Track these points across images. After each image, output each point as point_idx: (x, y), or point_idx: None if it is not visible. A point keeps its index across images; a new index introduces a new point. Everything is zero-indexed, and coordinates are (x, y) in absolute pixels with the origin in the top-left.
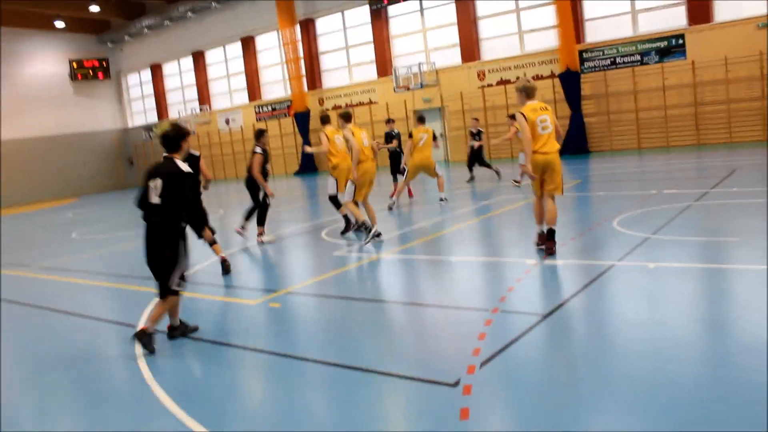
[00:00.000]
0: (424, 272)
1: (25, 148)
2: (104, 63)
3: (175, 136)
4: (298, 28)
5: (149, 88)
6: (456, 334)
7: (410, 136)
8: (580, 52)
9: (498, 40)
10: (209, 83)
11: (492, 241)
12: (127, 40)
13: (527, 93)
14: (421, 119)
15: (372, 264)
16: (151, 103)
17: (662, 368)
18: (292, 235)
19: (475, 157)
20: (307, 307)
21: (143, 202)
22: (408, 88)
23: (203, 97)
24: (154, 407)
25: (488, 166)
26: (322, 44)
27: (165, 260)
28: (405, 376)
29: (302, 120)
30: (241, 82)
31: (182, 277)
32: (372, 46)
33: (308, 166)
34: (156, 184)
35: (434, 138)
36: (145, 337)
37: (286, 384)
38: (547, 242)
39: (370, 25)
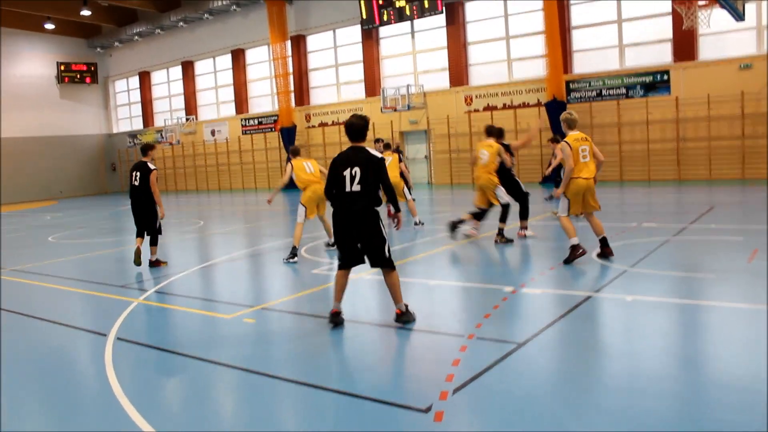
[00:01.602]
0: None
1: (7, 147)
2: (92, 67)
3: (364, 127)
4: (288, 43)
5: (136, 95)
6: (430, 358)
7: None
8: (567, 83)
9: (486, 67)
10: (197, 93)
11: (471, 267)
12: (117, 46)
13: (569, 124)
14: (386, 146)
15: (351, 283)
16: (137, 110)
17: (636, 403)
18: (271, 251)
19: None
20: (281, 323)
21: (339, 192)
22: (395, 109)
23: (190, 107)
24: (120, 418)
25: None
26: (312, 61)
27: (380, 238)
28: (376, 400)
29: (288, 135)
30: (228, 94)
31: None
32: (361, 65)
33: (292, 181)
34: (355, 172)
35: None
36: (404, 316)
37: (255, 401)
38: (605, 249)
39: (360, 45)
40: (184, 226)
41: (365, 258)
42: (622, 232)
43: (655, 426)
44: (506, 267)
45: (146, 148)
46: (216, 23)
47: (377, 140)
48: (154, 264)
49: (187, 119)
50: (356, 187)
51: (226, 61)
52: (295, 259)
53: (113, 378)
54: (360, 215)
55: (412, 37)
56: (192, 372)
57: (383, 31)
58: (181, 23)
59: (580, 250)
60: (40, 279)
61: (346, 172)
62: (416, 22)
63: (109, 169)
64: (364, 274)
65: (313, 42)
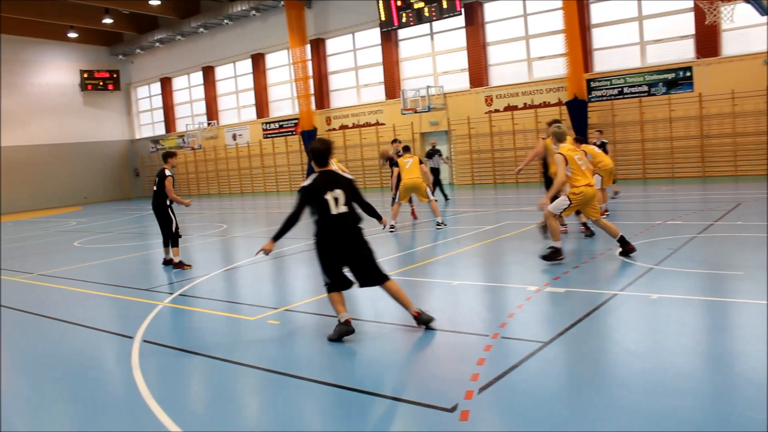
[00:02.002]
0: (423, 295)
1: (33, 154)
2: (115, 74)
3: (327, 150)
4: (308, 47)
5: (158, 101)
6: (454, 358)
7: (391, 163)
8: (588, 81)
9: (506, 67)
10: (218, 98)
11: (493, 266)
12: (139, 53)
13: (558, 138)
14: (406, 148)
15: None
16: (159, 116)
17: (663, 401)
18: (294, 253)
19: None
20: (305, 325)
21: (323, 216)
22: (415, 111)
23: (211, 111)
24: (147, 418)
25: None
26: (332, 64)
27: (372, 253)
28: (401, 399)
29: (309, 138)
30: (249, 98)
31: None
32: (381, 67)
33: None
34: (338, 194)
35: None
36: (423, 315)
37: (280, 401)
38: (626, 246)
39: (379, 47)
40: (207, 229)
41: (352, 280)
42: (646, 229)
43: (682, 425)
44: (530, 266)
45: (166, 156)
46: (236, 28)
47: (394, 140)
48: (177, 266)
49: (208, 124)
50: (342, 209)
51: (246, 65)
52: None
53: (140, 379)
54: (354, 234)
55: (431, 38)
56: (217, 373)
57: (402, 33)
58: (201, 29)
59: (561, 257)
60: (67, 283)
61: (328, 196)
62: (435, 23)
63: (132, 175)
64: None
65: (332, 45)
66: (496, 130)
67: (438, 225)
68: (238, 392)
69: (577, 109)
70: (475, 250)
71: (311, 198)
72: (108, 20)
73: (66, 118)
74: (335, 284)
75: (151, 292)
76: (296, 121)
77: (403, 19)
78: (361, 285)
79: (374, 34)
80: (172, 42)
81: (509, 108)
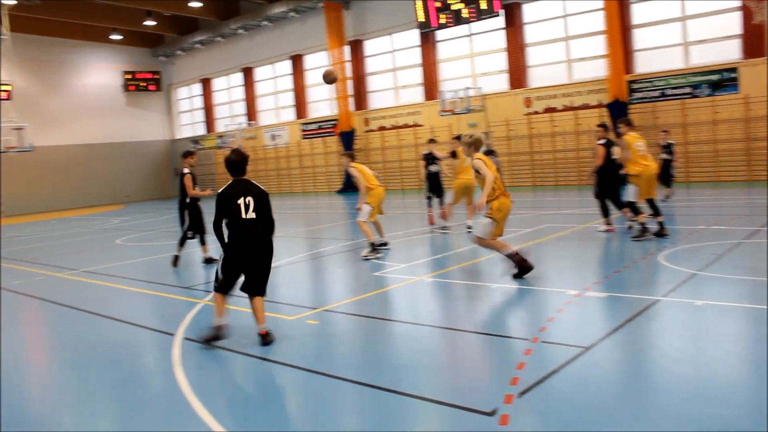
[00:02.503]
0: (462, 297)
1: (77, 153)
2: (156, 76)
3: (243, 161)
4: (346, 48)
5: (198, 102)
6: (494, 362)
7: (454, 155)
8: (629, 83)
9: (546, 68)
10: (257, 99)
11: (534, 269)
12: (179, 54)
13: (477, 146)
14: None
15: (411, 286)
16: (199, 116)
17: (706, 409)
18: (332, 254)
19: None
20: (344, 325)
21: (234, 219)
22: (454, 112)
23: (251, 112)
24: (187, 415)
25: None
26: (370, 65)
27: (270, 265)
28: (440, 402)
29: (347, 139)
30: (288, 99)
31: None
32: (419, 69)
33: (351, 184)
34: (249, 201)
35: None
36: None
37: (318, 401)
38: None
39: (418, 49)
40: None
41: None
42: (690, 234)
43: None
44: (570, 269)
45: (184, 155)
46: (275, 30)
47: (431, 140)
48: (209, 261)
49: (247, 124)
50: (251, 215)
51: (285, 66)
52: (376, 254)
53: (181, 376)
54: (262, 239)
55: (470, 39)
56: (256, 372)
57: (440, 34)
58: (240, 30)
59: (522, 265)
60: (109, 280)
61: (240, 201)
62: (474, 24)
63: (172, 174)
64: (425, 277)
65: (370, 46)
66: (535, 132)
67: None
68: (276, 391)
69: (618, 112)
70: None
71: (225, 202)
72: (150, 22)
73: (109, 118)
74: (226, 286)
75: (192, 290)
76: (335, 122)
77: (442, 21)
78: (242, 289)
79: (412, 36)
80: (212, 43)
81: (548, 110)
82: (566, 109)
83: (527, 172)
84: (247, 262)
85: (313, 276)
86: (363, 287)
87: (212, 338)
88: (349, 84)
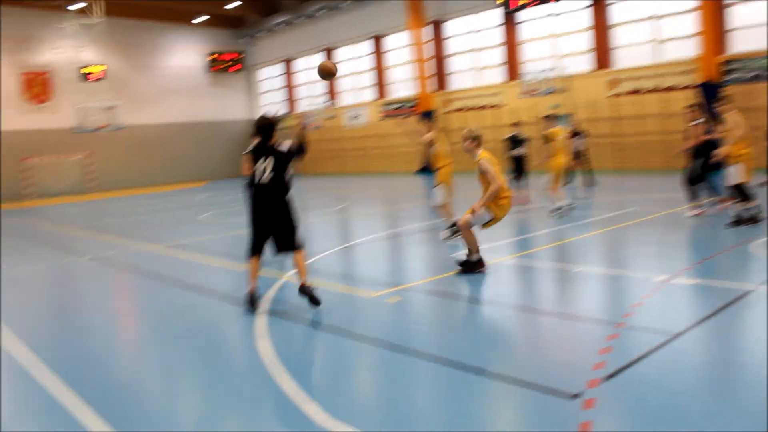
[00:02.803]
0: (545, 279)
1: (163, 132)
2: (240, 56)
3: (267, 125)
4: (427, 29)
5: (279, 82)
6: (577, 345)
7: (546, 138)
8: (722, 63)
9: (632, 48)
10: (337, 79)
11: (619, 254)
12: (262, 35)
13: (479, 142)
14: (551, 118)
15: (492, 267)
16: (280, 96)
17: None
18: (413, 233)
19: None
20: (425, 304)
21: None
22: (535, 94)
23: (331, 92)
24: (270, 387)
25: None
26: (451, 46)
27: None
28: (521, 383)
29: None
30: (368, 79)
31: None
32: (501, 49)
33: (430, 165)
34: (267, 163)
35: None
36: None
37: (398, 378)
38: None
39: (499, 29)
40: (327, 207)
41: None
42: None
43: None
44: (657, 255)
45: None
46: (356, 11)
47: (515, 123)
48: None
49: (328, 104)
50: (268, 176)
51: (365, 47)
52: (457, 236)
53: (264, 349)
54: (276, 199)
55: (554, 19)
56: (337, 347)
57: (523, 14)
58: (322, 11)
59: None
60: (195, 254)
61: (260, 163)
62: (557, 3)
63: None
64: (507, 258)
65: (451, 27)
66: (620, 114)
67: (559, 210)
68: (356, 366)
69: (709, 93)
70: (597, 237)
71: (249, 161)
72: (233, 4)
73: (193, 98)
74: (254, 248)
75: (273, 265)
76: (414, 103)
77: (525, 0)
78: (278, 251)
79: (494, 16)
80: (294, 24)
81: (634, 92)
82: (653, 90)
83: (610, 154)
84: (266, 221)
85: (393, 254)
86: (444, 267)
87: (249, 302)
88: (430, 65)
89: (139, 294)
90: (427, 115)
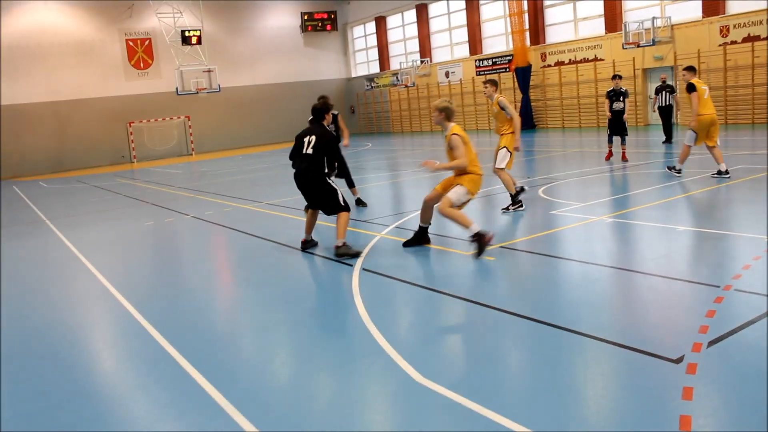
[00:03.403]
0: (647, 239)
1: (260, 93)
2: (332, 15)
3: (319, 110)
4: None
5: (372, 40)
6: (681, 308)
7: (690, 88)
8: None
9: None
10: (431, 36)
11: (726, 214)
12: None
13: (448, 115)
14: (691, 68)
15: (591, 225)
16: (373, 54)
17: None
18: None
19: None
20: (522, 263)
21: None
22: (638, 45)
23: (424, 49)
24: (367, 341)
25: None
26: None
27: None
28: (622, 345)
29: (523, 75)
30: (462, 35)
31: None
32: None
33: (527, 122)
34: (310, 140)
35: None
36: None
37: (493, 336)
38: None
39: None
40: (419, 166)
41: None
42: None
43: None
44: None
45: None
46: None
47: (615, 76)
48: (359, 203)
49: (421, 62)
50: (309, 151)
51: (459, 2)
52: (520, 207)
53: (360, 305)
54: (306, 173)
55: None
56: (432, 304)
57: None
58: None
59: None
60: (291, 212)
61: (305, 139)
62: None
63: (348, 112)
64: (605, 217)
65: None
66: (732, 64)
67: (722, 173)
68: (452, 325)
69: None
70: (703, 195)
71: (296, 139)
72: None
73: (288, 58)
74: (307, 205)
75: (369, 223)
76: (510, 58)
77: None
78: (326, 213)
79: None
80: None
81: (749, 38)
82: None
83: (721, 108)
84: (301, 189)
85: (487, 213)
86: (539, 226)
87: (305, 246)
88: (526, 18)
89: (235, 251)
90: (525, 84)
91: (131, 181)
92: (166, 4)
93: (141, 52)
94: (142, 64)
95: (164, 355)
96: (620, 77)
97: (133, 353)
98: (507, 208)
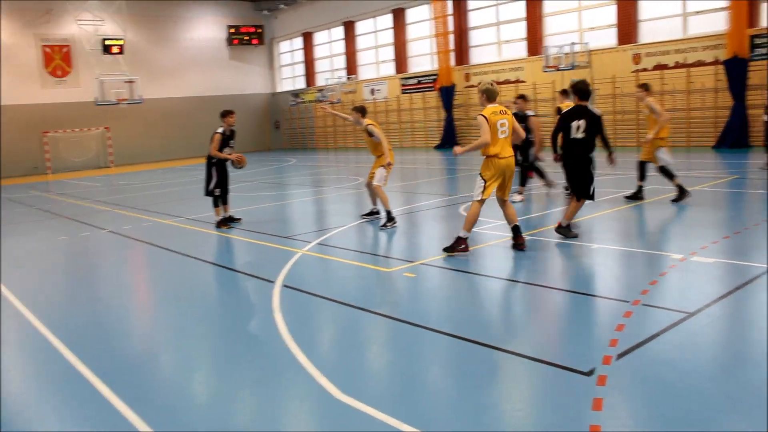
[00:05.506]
0: (561, 257)
1: (184, 105)
2: (259, 30)
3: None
4: (449, 2)
5: (299, 56)
6: (592, 322)
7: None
8: (751, 37)
9: (658, 22)
10: (357, 53)
11: (636, 231)
12: (282, 8)
13: (488, 96)
14: (646, 87)
15: (509, 244)
16: (300, 70)
17: None
18: (430, 209)
19: None
20: (441, 279)
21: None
22: (558, 69)
23: (351, 66)
24: (285, 358)
25: None
26: (473, 19)
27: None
28: (536, 359)
29: (447, 94)
30: (389, 53)
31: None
32: (523, 23)
33: (449, 141)
34: (580, 124)
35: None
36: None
37: (413, 352)
38: (518, 238)
39: (523, 2)
40: (343, 182)
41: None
42: None
43: None
44: (674, 233)
45: (222, 115)
46: None
47: (520, 96)
48: (221, 224)
49: (347, 78)
50: (580, 135)
51: (386, 20)
52: (394, 223)
53: (280, 321)
54: (582, 157)
55: None
56: (351, 321)
57: None
58: None
59: (463, 246)
60: (213, 228)
61: (573, 123)
62: None
63: (272, 127)
64: (523, 235)
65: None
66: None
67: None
68: (372, 341)
69: (736, 69)
70: (614, 215)
71: (564, 121)
72: None
73: (213, 71)
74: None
75: (291, 240)
76: (435, 77)
77: None
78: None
79: None
80: None
81: (659, 67)
82: (678, 66)
83: (633, 131)
84: (570, 171)
85: (410, 230)
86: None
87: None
88: (451, 38)
89: (153, 266)
90: (448, 103)
91: (45, 194)
92: (87, 11)
93: (59, 59)
94: (59, 72)
95: (75, 374)
96: (525, 98)
97: (41, 372)
98: (385, 225)
